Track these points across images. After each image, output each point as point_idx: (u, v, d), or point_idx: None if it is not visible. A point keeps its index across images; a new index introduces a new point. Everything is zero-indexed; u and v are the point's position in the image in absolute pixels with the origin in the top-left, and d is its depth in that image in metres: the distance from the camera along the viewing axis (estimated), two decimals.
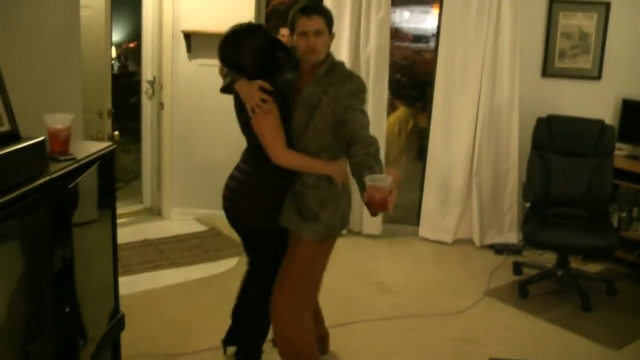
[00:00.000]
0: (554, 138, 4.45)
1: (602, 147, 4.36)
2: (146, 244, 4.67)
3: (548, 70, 4.90)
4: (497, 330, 3.63)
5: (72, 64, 2.91)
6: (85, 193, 2.16)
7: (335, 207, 2.69)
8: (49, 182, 1.85)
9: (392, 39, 5.01)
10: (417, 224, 5.15)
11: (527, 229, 4.09)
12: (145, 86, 5.26)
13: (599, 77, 4.84)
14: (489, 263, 4.67)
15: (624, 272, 4.52)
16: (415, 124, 6.61)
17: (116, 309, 2.54)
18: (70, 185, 1.97)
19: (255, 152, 2.67)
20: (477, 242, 4.98)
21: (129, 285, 3.82)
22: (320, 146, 2.64)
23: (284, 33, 4.99)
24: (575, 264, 4.44)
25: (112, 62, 6.61)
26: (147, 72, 5.25)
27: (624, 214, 4.24)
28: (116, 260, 2.52)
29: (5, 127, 1.84)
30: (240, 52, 2.59)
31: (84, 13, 3.09)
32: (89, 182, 2.15)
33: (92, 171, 2.17)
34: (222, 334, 3.10)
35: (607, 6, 4.75)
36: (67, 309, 1.98)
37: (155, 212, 5.38)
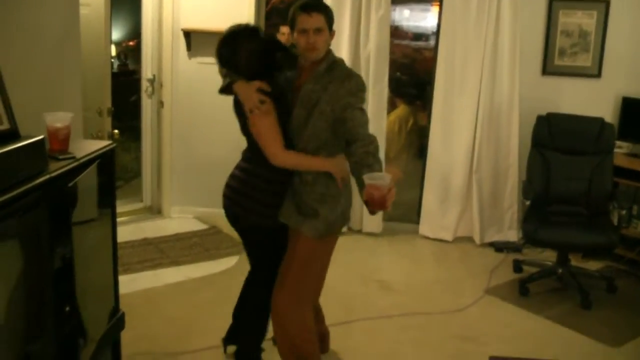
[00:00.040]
0: (554, 136, 4.45)
1: (602, 145, 4.36)
2: (146, 242, 4.67)
3: (548, 68, 4.90)
4: (497, 328, 3.63)
5: (72, 62, 2.91)
6: (85, 192, 2.16)
7: (334, 203, 2.69)
8: (49, 181, 1.85)
9: (392, 37, 5.01)
10: (417, 222, 5.15)
11: (527, 227, 4.08)
12: (145, 84, 5.26)
13: (598, 75, 4.84)
14: (489, 261, 4.67)
15: (624, 270, 4.52)
16: (415, 122, 6.62)
17: (116, 308, 2.54)
18: (70, 184, 1.97)
19: (255, 151, 2.67)
20: (477, 240, 4.98)
21: (129, 284, 3.82)
22: (318, 144, 2.64)
23: (284, 31, 4.99)
24: (575, 261, 4.45)
25: (112, 60, 6.63)
26: (147, 71, 5.25)
27: (624, 212, 4.24)
28: (116, 258, 2.52)
29: (5, 126, 1.84)
30: (237, 54, 2.60)
31: (83, 11, 3.09)
32: (88, 180, 2.15)
33: (92, 170, 2.17)
34: (223, 332, 3.10)
35: (607, 4, 4.74)
36: (67, 308, 1.98)
37: (155, 210, 5.38)
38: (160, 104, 5.19)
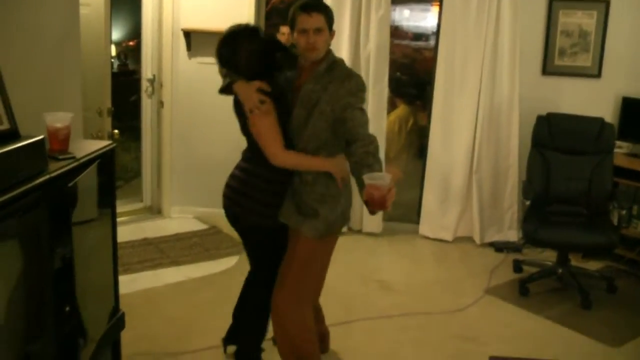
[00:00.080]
0: (554, 136, 4.44)
1: (602, 145, 4.36)
2: (146, 242, 4.67)
3: (548, 68, 4.90)
4: (497, 328, 3.63)
5: (72, 62, 2.91)
6: (85, 192, 2.15)
7: (334, 203, 2.69)
8: (49, 181, 1.85)
9: (392, 37, 5.01)
10: (417, 222, 5.15)
11: (527, 227, 4.08)
12: (145, 84, 5.26)
13: (598, 75, 4.84)
14: (489, 261, 4.67)
15: (624, 270, 4.52)
16: (415, 122, 6.62)
17: (116, 308, 2.54)
18: (70, 184, 1.97)
19: (255, 151, 2.67)
20: (477, 240, 4.98)
21: (129, 283, 3.83)
22: (318, 144, 2.64)
23: (284, 31, 4.99)
24: (575, 261, 4.45)
25: (112, 60, 6.62)
26: (147, 71, 5.25)
27: (623, 212, 4.25)
28: (116, 258, 2.52)
29: (5, 126, 1.84)
30: (236, 54, 2.61)
31: (83, 11, 3.09)
32: (88, 180, 2.15)
33: (92, 170, 2.17)
34: (223, 332, 3.10)
35: (607, 4, 4.74)
36: (67, 308, 1.98)
37: (155, 210, 5.38)
38: (160, 104, 5.19)
